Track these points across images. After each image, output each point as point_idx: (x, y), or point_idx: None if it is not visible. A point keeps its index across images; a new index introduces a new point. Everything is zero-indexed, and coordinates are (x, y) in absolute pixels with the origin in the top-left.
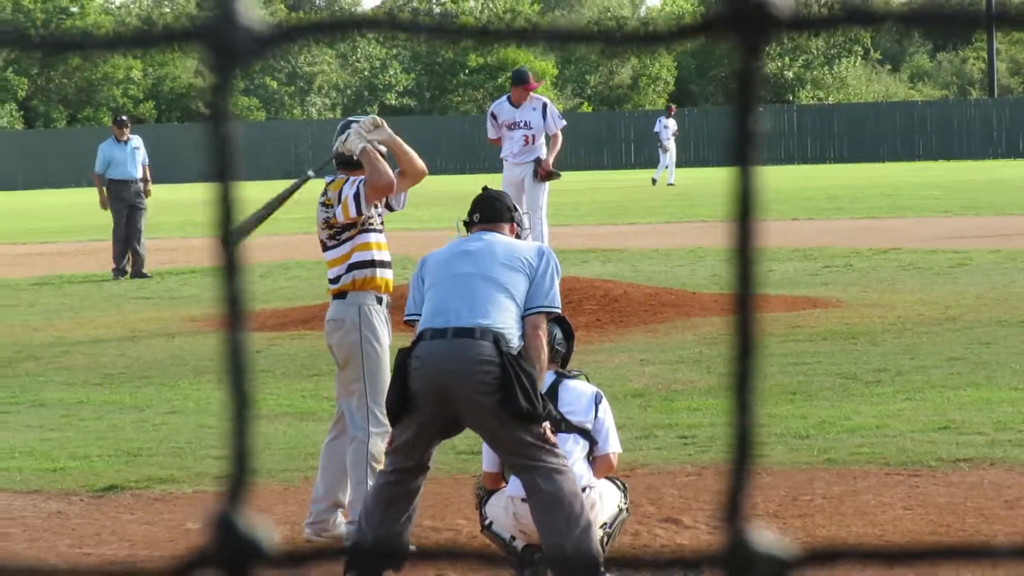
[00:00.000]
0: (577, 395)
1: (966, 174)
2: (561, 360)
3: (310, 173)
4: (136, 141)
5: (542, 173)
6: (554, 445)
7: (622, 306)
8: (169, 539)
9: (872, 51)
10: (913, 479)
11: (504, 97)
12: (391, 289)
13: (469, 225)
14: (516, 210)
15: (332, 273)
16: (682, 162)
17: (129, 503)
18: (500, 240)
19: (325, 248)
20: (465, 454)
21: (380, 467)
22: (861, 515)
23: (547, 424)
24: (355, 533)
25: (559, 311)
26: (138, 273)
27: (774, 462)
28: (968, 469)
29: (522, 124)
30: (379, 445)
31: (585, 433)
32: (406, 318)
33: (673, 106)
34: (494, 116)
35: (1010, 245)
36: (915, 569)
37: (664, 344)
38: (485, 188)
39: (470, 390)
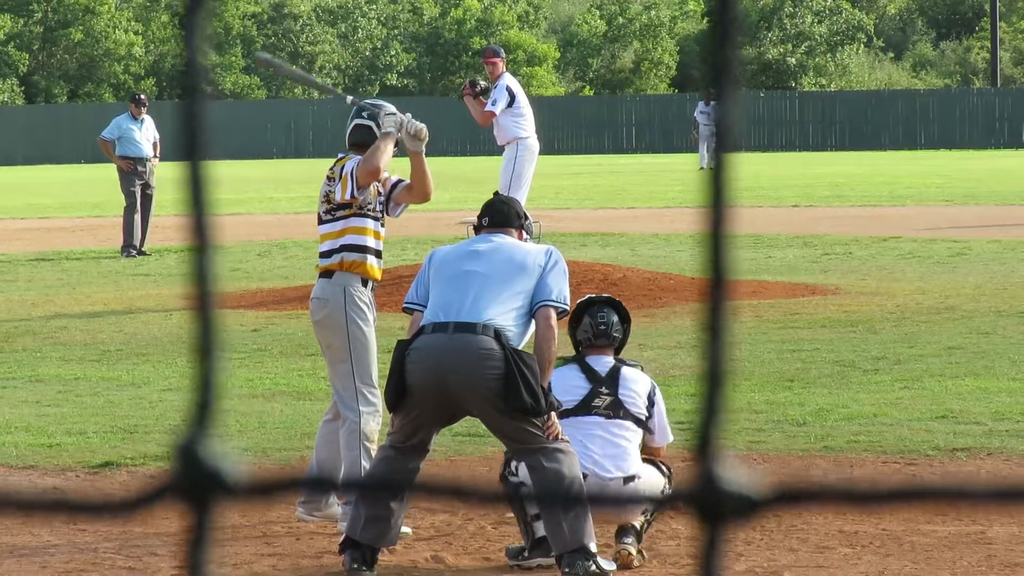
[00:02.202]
0: (637, 385)
1: (967, 163)
2: (618, 345)
3: (348, 98)
4: (148, 121)
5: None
6: (557, 435)
7: (620, 290)
8: (165, 516)
9: (875, 39)
10: (910, 468)
11: None
12: (379, 278)
13: (478, 228)
14: (525, 217)
15: (324, 247)
16: (684, 147)
17: (125, 480)
18: (508, 242)
19: (321, 221)
20: (462, 436)
21: (373, 447)
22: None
23: (553, 414)
24: (351, 511)
25: (567, 308)
26: (137, 251)
27: (771, 448)
28: (965, 459)
29: None
30: (371, 424)
31: (640, 422)
32: (404, 305)
33: (709, 91)
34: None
35: (1010, 235)
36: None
37: (662, 329)
38: (496, 193)
39: (471, 383)
